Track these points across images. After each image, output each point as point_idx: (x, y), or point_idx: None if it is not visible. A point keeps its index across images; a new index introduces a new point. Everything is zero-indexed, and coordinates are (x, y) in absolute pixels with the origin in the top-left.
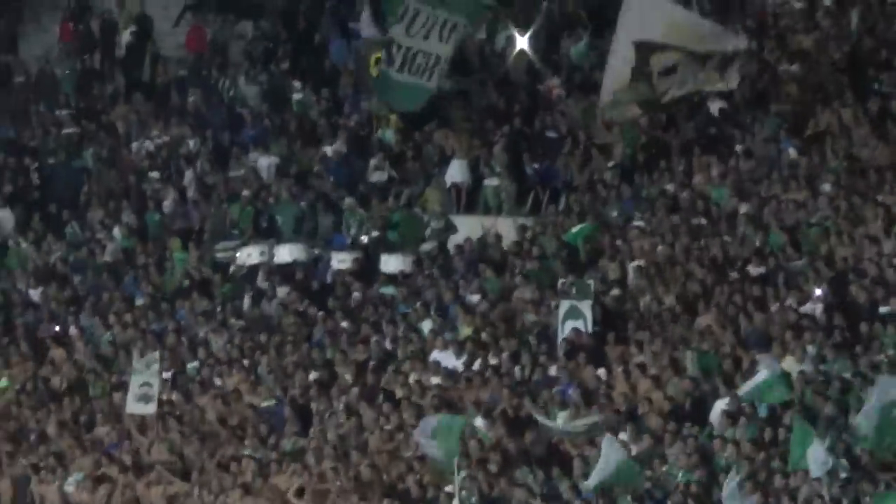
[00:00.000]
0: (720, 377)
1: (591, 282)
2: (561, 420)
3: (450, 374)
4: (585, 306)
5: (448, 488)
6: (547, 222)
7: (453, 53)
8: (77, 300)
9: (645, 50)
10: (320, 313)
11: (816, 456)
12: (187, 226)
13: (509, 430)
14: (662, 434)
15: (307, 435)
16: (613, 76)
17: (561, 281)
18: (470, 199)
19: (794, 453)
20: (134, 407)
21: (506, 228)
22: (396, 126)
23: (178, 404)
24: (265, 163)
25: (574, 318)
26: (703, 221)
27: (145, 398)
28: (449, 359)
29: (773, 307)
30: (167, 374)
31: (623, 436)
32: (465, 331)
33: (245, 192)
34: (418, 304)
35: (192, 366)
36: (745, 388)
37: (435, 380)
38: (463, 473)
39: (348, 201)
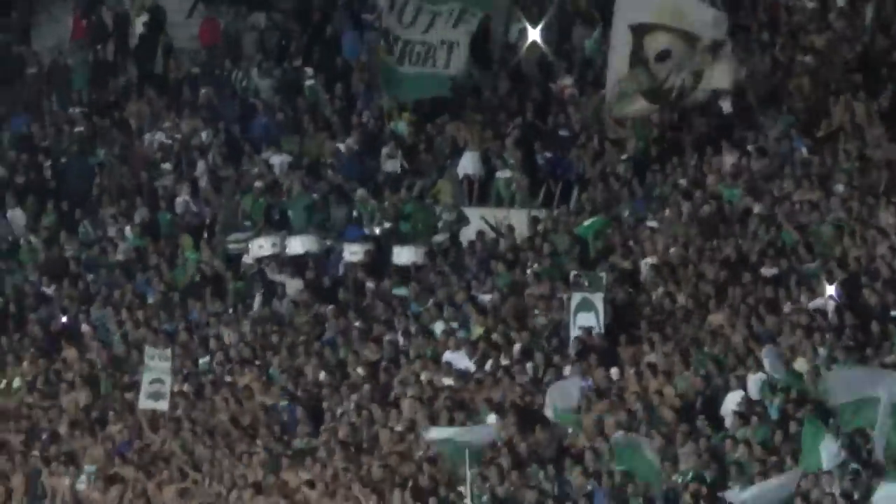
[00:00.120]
0: (732, 373)
1: (603, 274)
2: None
3: (462, 374)
4: (598, 299)
5: (460, 488)
6: (559, 220)
7: (470, 39)
8: (89, 298)
9: (639, 32)
10: (330, 307)
11: (829, 449)
12: (199, 222)
13: (521, 428)
14: (674, 433)
15: (319, 436)
16: (615, 66)
17: (573, 273)
18: (482, 191)
19: (806, 454)
20: (146, 403)
21: (518, 220)
22: (409, 119)
23: (191, 402)
24: (277, 160)
25: (586, 310)
26: (717, 221)
27: (157, 395)
28: (461, 359)
29: (786, 308)
30: (180, 372)
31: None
32: (478, 331)
33: (258, 184)
34: (430, 303)
35: (203, 361)
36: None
37: (447, 380)
38: (475, 471)
39: (360, 193)
